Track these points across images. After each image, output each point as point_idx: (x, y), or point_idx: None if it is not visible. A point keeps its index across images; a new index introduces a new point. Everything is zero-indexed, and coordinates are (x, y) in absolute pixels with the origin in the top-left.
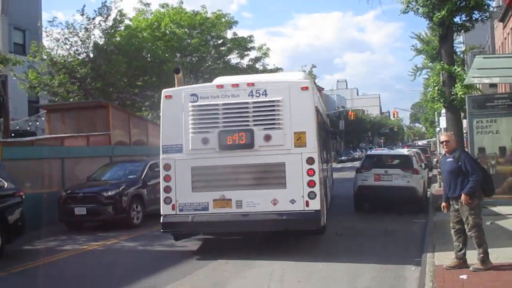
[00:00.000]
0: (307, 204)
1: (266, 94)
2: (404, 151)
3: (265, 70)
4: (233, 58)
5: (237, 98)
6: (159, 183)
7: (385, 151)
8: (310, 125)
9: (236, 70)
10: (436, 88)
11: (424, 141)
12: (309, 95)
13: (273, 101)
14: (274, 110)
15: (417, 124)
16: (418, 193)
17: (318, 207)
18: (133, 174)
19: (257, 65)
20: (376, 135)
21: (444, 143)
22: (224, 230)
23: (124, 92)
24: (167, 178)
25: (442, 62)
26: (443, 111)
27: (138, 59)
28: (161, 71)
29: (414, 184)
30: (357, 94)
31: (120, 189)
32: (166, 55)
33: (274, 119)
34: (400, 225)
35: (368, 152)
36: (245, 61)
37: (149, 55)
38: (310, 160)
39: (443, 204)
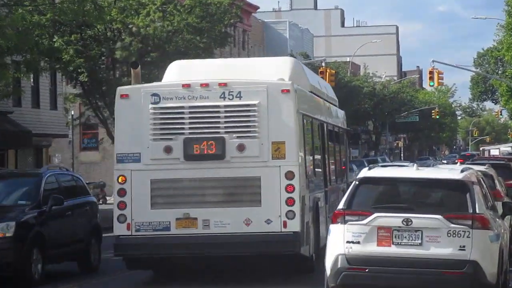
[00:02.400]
0: (284, 224)
1: (240, 97)
2: (455, 171)
3: None
4: None
5: (206, 100)
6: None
7: (405, 168)
8: (291, 133)
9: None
10: None
11: (507, 147)
12: (291, 99)
13: (248, 105)
14: (249, 116)
15: (488, 105)
16: (484, 280)
17: (297, 228)
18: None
19: None
20: (386, 129)
21: None
22: (189, 253)
23: None
24: (121, 192)
25: None
26: None
27: None
28: None
29: (475, 254)
30: (343, 24)
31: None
32: None
33: (249, 126)
34: None
35: (366, 173)
36: None
37: None
38: (289, 175)
39: None
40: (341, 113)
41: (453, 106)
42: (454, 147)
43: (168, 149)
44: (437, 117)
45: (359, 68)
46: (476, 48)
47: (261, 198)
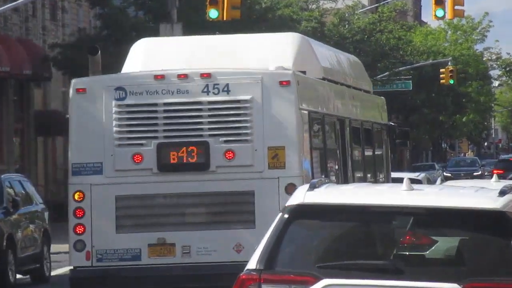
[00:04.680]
0: None
1: (228, 91)
2: (487, 193)
3: None
4: None
5: (185, 95)
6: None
7: (384, 187)
8: (292, 136)
9: None
10: None
11: None
12: (292, 93)
13: (238, 101)
14: (239, 115)
15: None
16: None
17: None
18: None
19: None
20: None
21: None
22: None
23: None
24: (78, 213)
25: None
26: None
27: None
28: None
29: None
30: None
31: None
32: None
33: (239, 128)
34: None
35: (305, 196)
36: None
37: None
38: (290, 188)
39: None
40: (377, 101)
41: (484, 59)
42: (486, 143)
43: (137, 158)
44: (451, 81)
45: None
46: None
47: (255, 218)
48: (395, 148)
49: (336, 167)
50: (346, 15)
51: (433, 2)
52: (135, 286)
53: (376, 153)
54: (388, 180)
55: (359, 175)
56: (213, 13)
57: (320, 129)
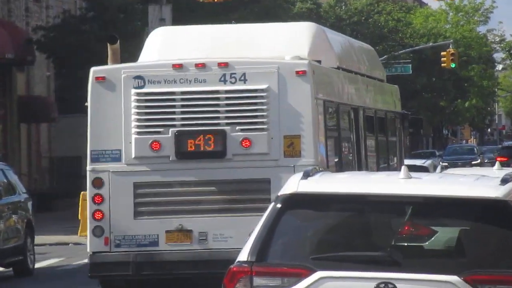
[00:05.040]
0: None
1: (245, 80)
2: (489, 181)
3: None
4: None
5: (203, 84)
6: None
7: (381, 175)
8: (308, 125)
9: None
10: None
11: None
12: (307, 82)
13: (255, 90)
14: (256, 103)
15: None
16: None
17: None
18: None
19: None
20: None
21: None
22: (181, 274)
23: None
24: (97, 199)
25: None
26: None
27: None
28: None
29: None
30: None
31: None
32: None
33: (256, 116)
34: None
35: (299, 185)
36: None
37: None
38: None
39: None
40: (390, 90)
41: (488, 42)
42: (489, 129)
43: (155, 145)
44: (452, 65)
45: None
46: None
47: None
48: (408, 136)
49: (351, 155)
50: None
51: None
52: (152, 271)
53: (389, 141)
54: (400, 161)
55: (373, 163)
56: None
57: (335, 118)
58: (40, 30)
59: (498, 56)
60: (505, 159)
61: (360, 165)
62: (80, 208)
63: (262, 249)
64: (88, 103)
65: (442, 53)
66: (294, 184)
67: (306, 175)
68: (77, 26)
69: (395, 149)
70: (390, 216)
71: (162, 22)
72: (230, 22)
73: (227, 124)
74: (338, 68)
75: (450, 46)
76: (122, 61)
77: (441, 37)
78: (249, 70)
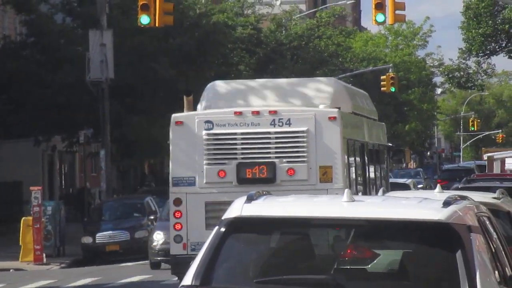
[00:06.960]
0: None
1: (289, 124)
2: (431, 203)
3: None
4: None
5: (257, 127)
6: None
7: (329, 197)
8: (338, 158)
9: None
10: None
11: None
12: (338, 125)
13: (297, 131)
14: (298, 142)
15: (499, 62)
16: None
17: None
18: None
19: None
20: None
21: None
22: None
23: None
24: (177, 214)
25: None
26: None
27: None
28: None
29: None
30: None
31: None
32: None
33: (298, 151)
34: None
35: (243, 209)
36: None
37: None
38: None
39: None
40: (380, 127)
41: (427, 66)
42: (428, 153)
43: (221, 173)
44: (392, 89)
45: None
46: None
47: None
48: (392, 164)
49: (361, 179)
50: (283, 20)
51: (373, 7)
52: None
53: (382, 167)
54: (388, 188)
55: (373, 184)
56: (144, 19)
57: (353, 151)
58: None
59: (438, 80)
60: (446, 182)
61: (366, 186)
62: (21, 234)
63: (206, 273)
64: (170, 141)
65: (382, 77)
66: (237, 208)
67: (250, 199)
68: (17, 52)
69: (385, 173)
70: (333, 239)
71: (103, 47)
72: (171, 47)
73: (276, 157)
74: (352, 113)
75: (390, 70)
76: (61, 82)
77: (381, 62)
78: (293, 116)
